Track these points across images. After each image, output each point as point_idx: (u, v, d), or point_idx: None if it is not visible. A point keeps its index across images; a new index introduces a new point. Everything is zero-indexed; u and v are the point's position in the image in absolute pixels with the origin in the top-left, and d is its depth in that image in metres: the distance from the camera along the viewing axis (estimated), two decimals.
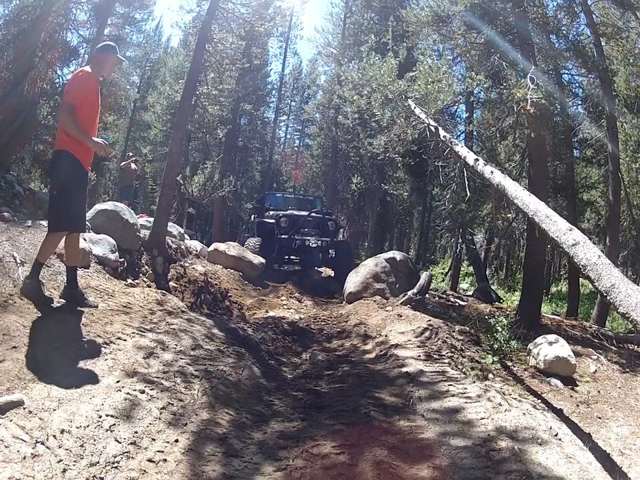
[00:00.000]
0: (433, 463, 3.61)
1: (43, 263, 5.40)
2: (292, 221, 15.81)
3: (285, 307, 10.78)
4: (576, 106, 17.80)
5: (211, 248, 13.72)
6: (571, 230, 4.93)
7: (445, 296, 14.08)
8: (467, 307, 12.41)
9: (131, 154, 20.17)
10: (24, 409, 3.31)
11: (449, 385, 5.21)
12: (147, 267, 9.53)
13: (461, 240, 19.73)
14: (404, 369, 5.77)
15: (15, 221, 7.17)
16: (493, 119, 15.28)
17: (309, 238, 15.59)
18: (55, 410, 3.42)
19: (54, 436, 3.15)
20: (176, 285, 9.72)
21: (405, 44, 12.49)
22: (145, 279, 9.05)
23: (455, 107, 18.09)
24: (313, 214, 16.37)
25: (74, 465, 2.97)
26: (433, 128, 10.25)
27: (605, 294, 4.10)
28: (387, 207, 30.06)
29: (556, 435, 4.14)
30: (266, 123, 40.77)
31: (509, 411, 4.50)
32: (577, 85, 17.62)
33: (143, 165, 27.12)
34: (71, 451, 3.08)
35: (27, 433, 3.08)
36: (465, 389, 5.12)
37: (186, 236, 14.62)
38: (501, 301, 16.57)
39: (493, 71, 12.33)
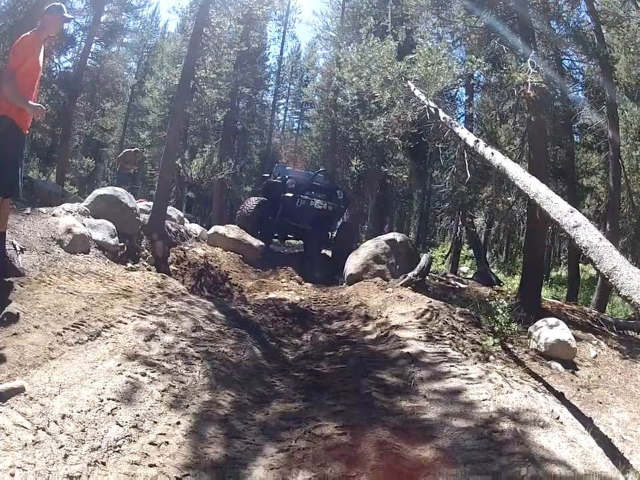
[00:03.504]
0: (436, 444, 3.62)
1: None
2: (299, 183, 15.59)
3: (285, 288, 10.75)
4: (576, 91, 17.80)
5: (211, 231, 13.68)
6: (572, 212, 4.96)
7: (444, 278, 14.00)
8: (467, 289, 12.28)
9: (132, 150, 19.88)
10: (25, 395, 3.30)
11: (450, 366, 5.20)
12: (146, 250, 9.53)
13: (461, 223, 19.68)
14: (405, 350, 5.76)
15: (14, 208, 7.12)
16: (493, 102, 15.21)
17: (314, 199, 15.23)
18: (56, 395, 3.42)
19: (55, 422, 3.14)
20: (176, 269, 9.71)
21: (404, 26, 12.39)
22: (145, 263, 9.05)
23: (455, 90, 17.95)
24: (320, 176, 16.23)
25: (75, 450, 2.97)
26: (432, 109, 10.15)
27: (606, 276, 4.12)
28: (386, 189, 29.82)
29: (557, 418, 4.15)
30: (264, 107, 40.57)
31: (511, 393, 4.50)
32: (578, 70, 17.57)
33: (142, 151, 26.98)
34: (72, 436, 3.07)
35: (28, 420, 3.07)
36: (467, 370, 5.12)
37: (185, 220, 14.56)
38: (501, 284, 16.54)
39: (492, 55, 12.25)
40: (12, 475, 2.61)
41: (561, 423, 4.08)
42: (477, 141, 8.22)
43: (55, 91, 20.25)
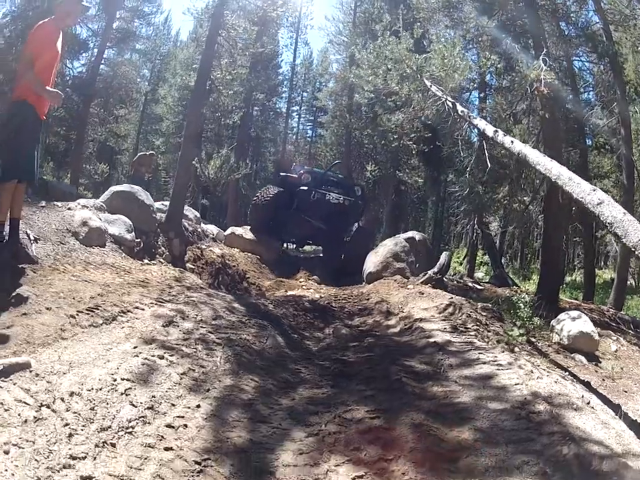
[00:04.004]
0: (474, 425, 3.47)
1: (3, 220, 5.27)
2: (314, 178, 15.01)
3: (303, 287, 10.60)
4: (587, 92, 17.96)
5: (228, 232, 13.60)
6: (594, 190, 5.05)
7: (462, 281, 13.89)
8: (486, 290, 12.32)
9: (147, 153, 19.79)
10: (30, 371, 3.05)
11: (478, 354, 5.07)
12: (163, 248, 9.40)
13: (477, 226, 19.60)
14: (431, 340, 5.63)
15: (29, 201, 7.06)
16: (506, 103, 15.10)
17: (329, 193, 14.59)
18: (65, 373, 3.17)
19: (62, 399, 2.89)
20: (193, 267, 9.57)
21: (417, 26, 12.40)
22: (161, 260, 8.89)
23: (468, 94, 18.01)
24: (340, 176, 15.77)
25: (82, 430, 2.72)
26: (450, 103, 10.21)
27: (633, 249, 4.19)
28: (401, 195, 29.88)
29: (588, 403, 4.05)
30: (278, 114, 40.69)
31: (541, 379, 4.39)
32: (588, 71, 17.83)
33: (156, 158, 26.97)
34: (79, 414, 2.83)
35: (31, 396, 2.82)
36: (495, 357, 4.99)
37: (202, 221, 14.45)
38: (518, 287, 16.37)
39: (505, 56, 12.69)
40: (6, 453, 2.35)
41: (592, 407, 3.97)
42: (496, 131, 8.25)
43: (69, 95, 20.35)
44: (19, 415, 2.63)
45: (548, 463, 2.95)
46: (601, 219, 4.68)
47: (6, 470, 2.25)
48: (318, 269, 13.40)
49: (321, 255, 17.38)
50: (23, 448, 2.42)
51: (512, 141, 7.53)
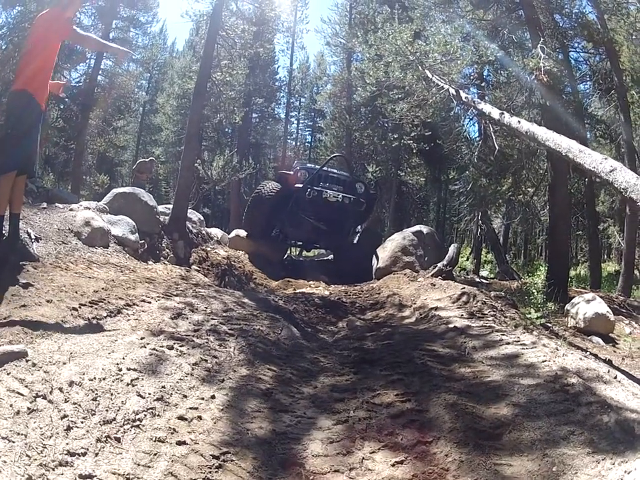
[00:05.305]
0: (510, 401, 3.35)
1: (2, 215, 5.03)
2: (311, 175, 13.53)
3: (312, 286, 10.29)
4: (585, 82, 18.51)
5: (232, 234, 13.26)
6: (605, 159, 5.20)
7: (469, 276, 13.91)
8: (494, 284, 12.69)
9: (147, 160, 19.67)
10: (27, 361, 2.79)
11: (501, 335, 5.00)
12: (167, 250, 9.24)
13: (481, 222, 19.64)
14: (450, 325, 5.53)
15: (29, 203, 7.03)
16: (505, 97, 15.03)
17: (327, 190, 13.23)
18: (64, 363, 2.93)
19: (60, 389, 2.64)
20: (198, 269, 9.38)
21: (414, 22, 12.54)
22: (166, 262, 8.70)
23: (467, 90, 18.11)
24: (345, 174, 14.84)
25: (82, 422, 2.46)
26: (453, 91, 10.41)
27: None
28: (403, 196, 29.99)
29: (615, 377, 3.94)
30: (277, 120, 40.75)
31: (567, 356, 4.32)
32: (584, 61, 18.12)
33: (157, 167, 26.85)
34: (80, 405, 2.57)
35: (26, 387, 2.56)
36: (518, 338, 4.93)
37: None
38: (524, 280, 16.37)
39: (502, 49, 12.96)
40: None
41: (619, 381, 3.85)
42: (502, 113, 8.55)
43: (67, 105, 20.35)
44: (10, 406, 2.36)
45: (593, 432, 2.87)
46: (615, 185, 4.81)
47: None
48: (325, 272, 12.91)
49: (327, 258, 16.97)
50: (13, 442, 2.14)
51: (519, 121, 7.78)
